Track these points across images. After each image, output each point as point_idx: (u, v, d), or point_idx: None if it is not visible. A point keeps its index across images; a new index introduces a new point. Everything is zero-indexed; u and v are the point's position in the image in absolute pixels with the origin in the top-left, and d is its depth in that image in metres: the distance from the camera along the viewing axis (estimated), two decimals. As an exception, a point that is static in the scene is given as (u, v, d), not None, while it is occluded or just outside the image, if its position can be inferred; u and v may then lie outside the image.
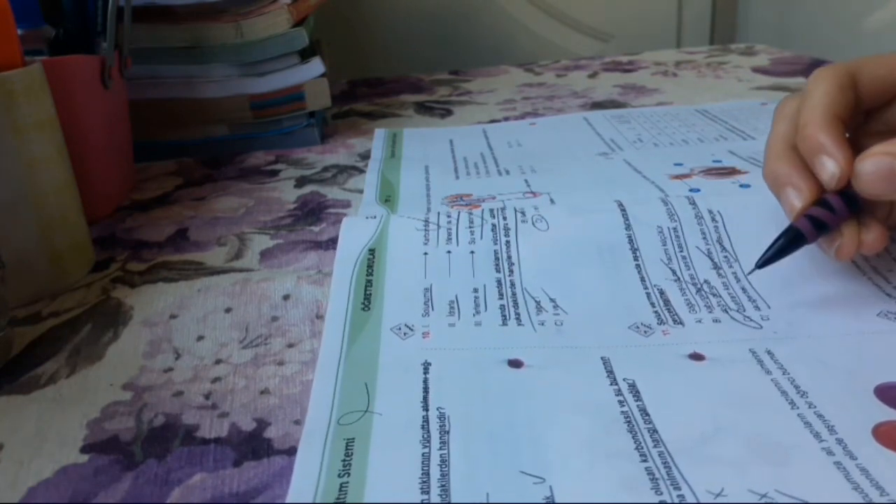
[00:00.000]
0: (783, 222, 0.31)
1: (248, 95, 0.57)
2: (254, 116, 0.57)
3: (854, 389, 0.26)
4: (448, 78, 0.79)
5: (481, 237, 0.36)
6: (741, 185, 0.42)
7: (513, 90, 0.72)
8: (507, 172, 0.48)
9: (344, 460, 0.24)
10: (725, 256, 0.33)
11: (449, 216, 0.37)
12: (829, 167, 0.27)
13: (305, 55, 0.58)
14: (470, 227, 0.37)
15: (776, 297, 0.31)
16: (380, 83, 0.79)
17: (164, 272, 0.38)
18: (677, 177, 0.45)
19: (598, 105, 0.64)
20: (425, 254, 0.35)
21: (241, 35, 0.55)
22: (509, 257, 0.35)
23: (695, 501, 0.22)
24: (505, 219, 0.37)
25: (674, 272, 0.33)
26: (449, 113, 0.66)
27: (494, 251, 0.35)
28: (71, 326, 0.33)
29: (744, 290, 0.32)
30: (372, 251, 0.36)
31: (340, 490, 0.23)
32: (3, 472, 0.25)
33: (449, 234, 0.36)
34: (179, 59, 0.56)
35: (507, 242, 0.35)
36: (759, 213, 0.35)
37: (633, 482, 0.22)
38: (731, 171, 0.45)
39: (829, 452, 0.23)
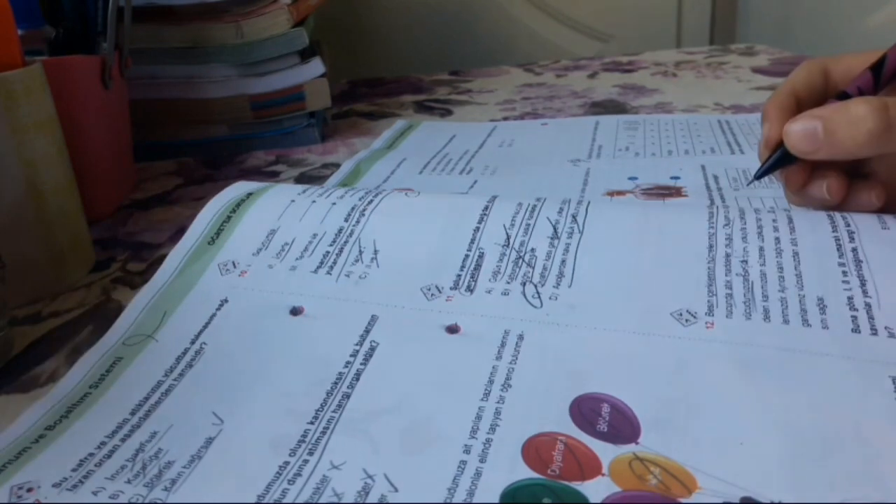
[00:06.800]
0: (648, 234, 0.31)
1: (249, 95, 0.57)
2: (254, 116, 0.57)
3: (554, 396, 0.24)
4: (448, 78, 0.79)
5: (352, 195, 0.35)
6: None
7: (512, 90, 0.72)
8: (469, 172, 0.48)
9: (102, 375, 0.27)
10: (572, 227, 0.31)
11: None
12: (764, 129, 0.33)
13: (305, 55, 0.58)
14: (351, 188, 0.36)
15: (593, 276, 0.29)
16: (380, 83, 0.79)
17: (164, 272, 0.38)
18: (613, 193, 0.42)
19: (597, 105, 0.64)
20: (292, 201, 0.35)
21: (241, 35, 0.55)
22: (364, 210, 0.34)
23: (313, 468, 0.22)
24: (385, 190, 0.36)
25: (508, 237, 0.31)
26: (449, 112, 0.66)
27: (354, 205, 0.34)
28: (71, 327, 0.33)
29: (563, 262, 0.30)
30: (249, 195, 0.36)
31: (83, 399, 0.25)
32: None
33: (325, 190, 0.36)
34: (179, 59, 0.56)
35: (371, 201, 0.34)
36: (627, 220, 0.32)
37: (282, 441, 0.23)
38: (672, 193, 0.42)
39: (466, 451, 0.22)
